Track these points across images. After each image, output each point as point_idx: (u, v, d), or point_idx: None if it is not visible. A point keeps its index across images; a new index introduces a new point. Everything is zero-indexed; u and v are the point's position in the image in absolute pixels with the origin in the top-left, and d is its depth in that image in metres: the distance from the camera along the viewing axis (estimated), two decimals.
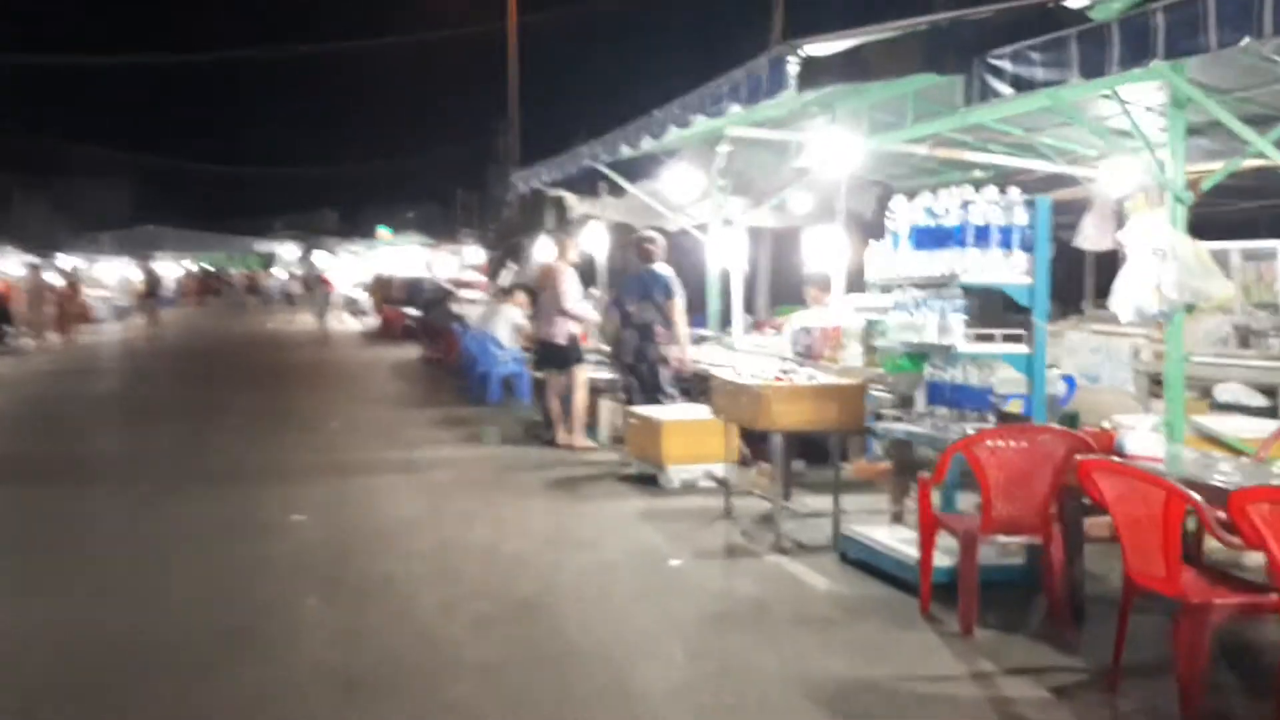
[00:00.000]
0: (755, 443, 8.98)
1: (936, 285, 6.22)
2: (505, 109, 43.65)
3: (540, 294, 11.29)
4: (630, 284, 10.29)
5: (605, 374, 11.51)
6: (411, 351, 22.96)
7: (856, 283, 10.00)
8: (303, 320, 34.32)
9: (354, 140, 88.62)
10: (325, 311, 32.70)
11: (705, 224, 14.54)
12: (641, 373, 10.10)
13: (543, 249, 17.45)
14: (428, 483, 9.51)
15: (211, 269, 70.01)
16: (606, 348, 12.35)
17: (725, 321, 12.69)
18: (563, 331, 10.98)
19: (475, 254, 31.26)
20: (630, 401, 10.29)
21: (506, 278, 23.42)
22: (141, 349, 25.51)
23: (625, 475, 9.51)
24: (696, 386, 10.45)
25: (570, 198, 15.39)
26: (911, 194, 13.48)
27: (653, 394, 10.02)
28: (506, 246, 34.79)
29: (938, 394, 6.34)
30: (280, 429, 12.70)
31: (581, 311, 11.15)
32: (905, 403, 6.94)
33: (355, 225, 61.06)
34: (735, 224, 12.17)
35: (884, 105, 9.01)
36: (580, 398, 10.97)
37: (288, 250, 66.75)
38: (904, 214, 6.56)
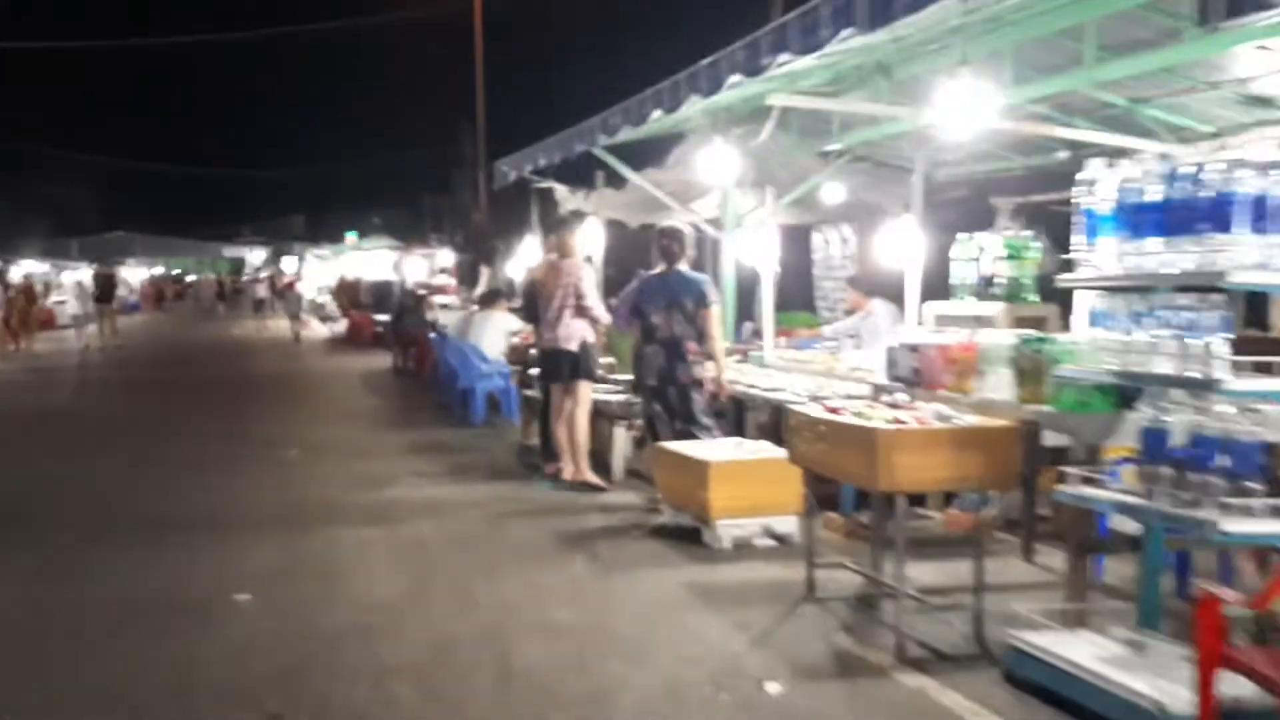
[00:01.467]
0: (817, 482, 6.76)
1: (1178, 287, 3.98)
2: (470, 111, 41.40)
3: (539, 295, 8.97)
4: (653, 289, 7.98)
5: (613, 394, 9.20)
6: (381, 360, 20.54)
7: (936, 287, 7.88)
8: (269, 326, 31.67)
9: (320, 144, 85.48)
10: (298, 315, 30.11)
11: (716, 219, 12.37)
12: (669, 398, 7.80)
13: (528, 248, 15.12)
14: (407, 541, 7.16)
15: (180, 274, 66.96)
16: (609, 361, 10.06)
17: (736, 333, 10.51)
18: (576, 335, 8.66)
19: (447, 257, 28.84)
20: (654, 434, 8.01)
21: (482, 282, 21.09)
22: (93, 360, 22.69)
23: (657, 528, 7.22)
24: (734, 414, 8.19)
25: (560, 189, 13.06)
26: (966, 184, 11.28)
27: (684, 424, 7.74)
28: (478, 250, 32.40)
29: (1158, 447, 4.09)
30: (233, 457, 10.29)
31: (602, 313, 8.85)
32: (1091, 455, 4.72)
33: (322, 230, 58.18)
34: (764, 219, 9.90)
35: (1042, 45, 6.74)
36: (582, 420, 8.66)
37: (256, 255, 63.93)
38: (1110, 184, 4.30)
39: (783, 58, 6.82)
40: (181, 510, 8.07)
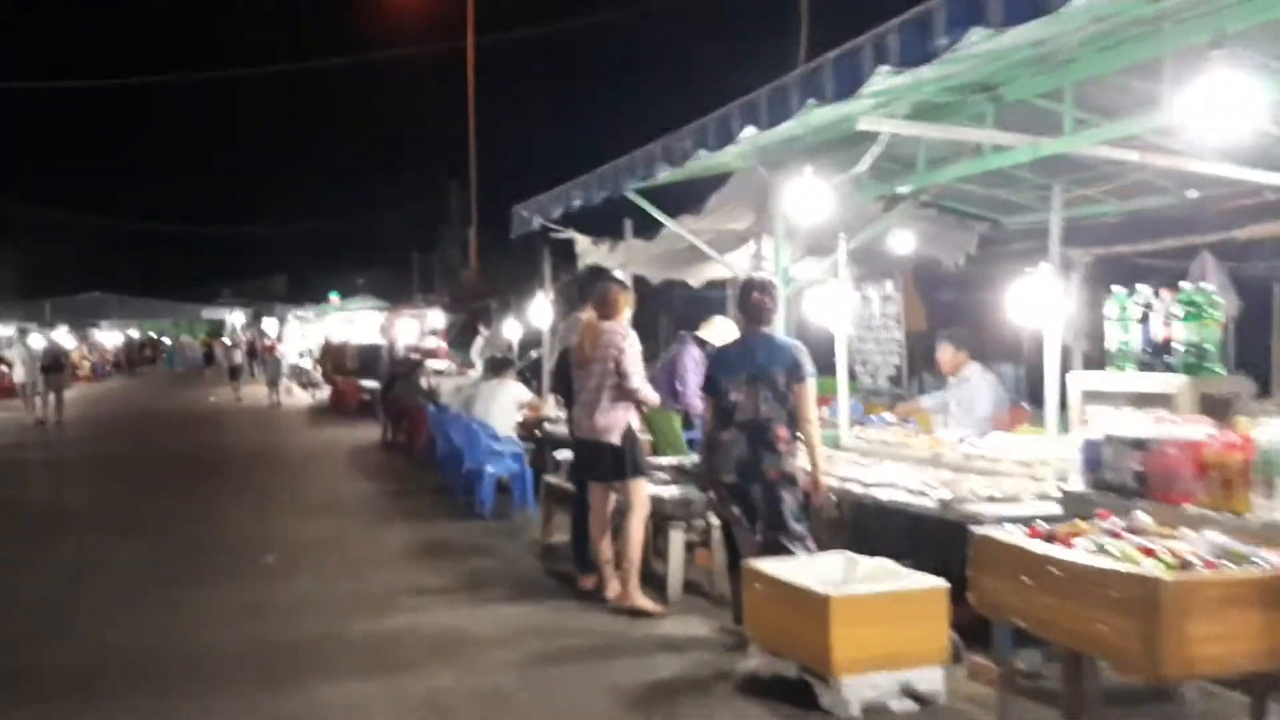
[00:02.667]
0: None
1: None
2: (459, 168, 40.06)
3: (574, 365, 7.25)
4: (733, 358, 6.25)
5: (663, 486, 7.45)
6: (369, 432, 18.73)
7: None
8: (246, 393, 29.80)
9: (303, 202, 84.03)
10: (277, 381, 28.28)
11: (751, 271, 10.73)
12: (751, 498, 6.04)
13: (537, 308, 13.43)
14: (418, 702, 5.35)
15: (155, 336, 65.03)
16: (644, 439, 8.33)
17: None
18: (618, 424, 6.93)
19: (437, 319, 27.14)
20: (730, 545, 6.27)
21: (480, 347, 19.38)
22: (42, 436, 20.25)
23: (749, 679, 5.47)
24: (819, 520, 6.44)
25: (582, 240, 11.41)
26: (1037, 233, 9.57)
27: (771, 532, 5.99)
28: (471, 310, 30.68)
29: None
30: (195, 566, 8.47)
31: (649, 394, 7.13)
32: None
33: (304, 291, 56.52)
34: (840, 270, 8.23)
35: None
36: (637, 530, 6.91)
37: (236, 317, 62.11)
38: None
39: (882, 70, 5.24)
40: (119, 652, 6.26)
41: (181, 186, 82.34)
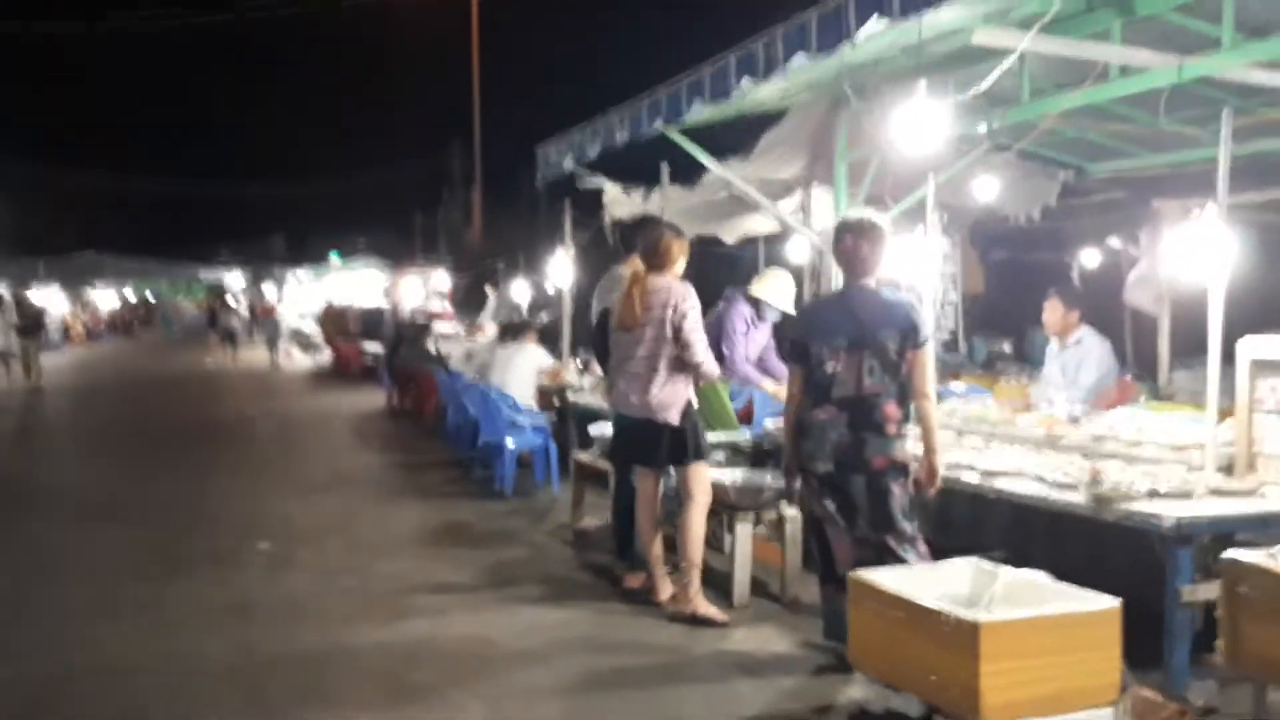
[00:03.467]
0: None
1: None
2: (461, 127, 38.79)
3: (617, 328, 6.10)
4: (829, 317, 5.10)
5: (726, 473, 6.33)
6: (373, 398, 17.62)
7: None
8: (244, 357, 28.65)
9: (303, 160, 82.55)
10: (275, 343, 27.22)
11: (800, 220, 9.63)
12: (851, 493, 4.93)
13: (558, 267, 12.29)
14: None
15: (150, 298, 63.80)
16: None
17: None
18: (676, 400, 5.80)
19: (443, 280, 25.97)
20: (823, 549, 5.17)
21: (492, 308, 18.25)
22: (19, 403, 18.42)
23: (855, 714, 4.39)
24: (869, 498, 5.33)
25: (611, 188, 10.25)
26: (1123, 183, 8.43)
27: (875, 533, 4.90)
28: (478, 271, 29.48)
29: None
30: (179, 553, 7.39)
31: (713, 367, 5.99)
32: None
33: (304, 252, 55.25)
34: (931, 219, 7.11)
35: None
36: (698, 524, 5.81)
37: (234, 278, 60.85)
38: None
39: None
40: (81, 673, 5.18)
41: (179, 143, 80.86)
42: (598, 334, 6.83)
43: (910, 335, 4.84)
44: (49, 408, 18.07)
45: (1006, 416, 6.32)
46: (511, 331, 10.97)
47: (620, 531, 6.51)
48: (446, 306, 24.31)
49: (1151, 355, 8.81)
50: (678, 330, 5.75)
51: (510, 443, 9.33)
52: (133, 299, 59.85)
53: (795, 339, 5.18)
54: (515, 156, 41.69)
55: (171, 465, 11.42)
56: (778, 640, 5.39)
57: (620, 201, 10.24)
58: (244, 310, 38.97)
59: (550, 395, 10.48)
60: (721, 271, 13.74)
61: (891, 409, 4.86)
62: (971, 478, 5.24)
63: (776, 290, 8.36)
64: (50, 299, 41.47)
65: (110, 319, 48.62)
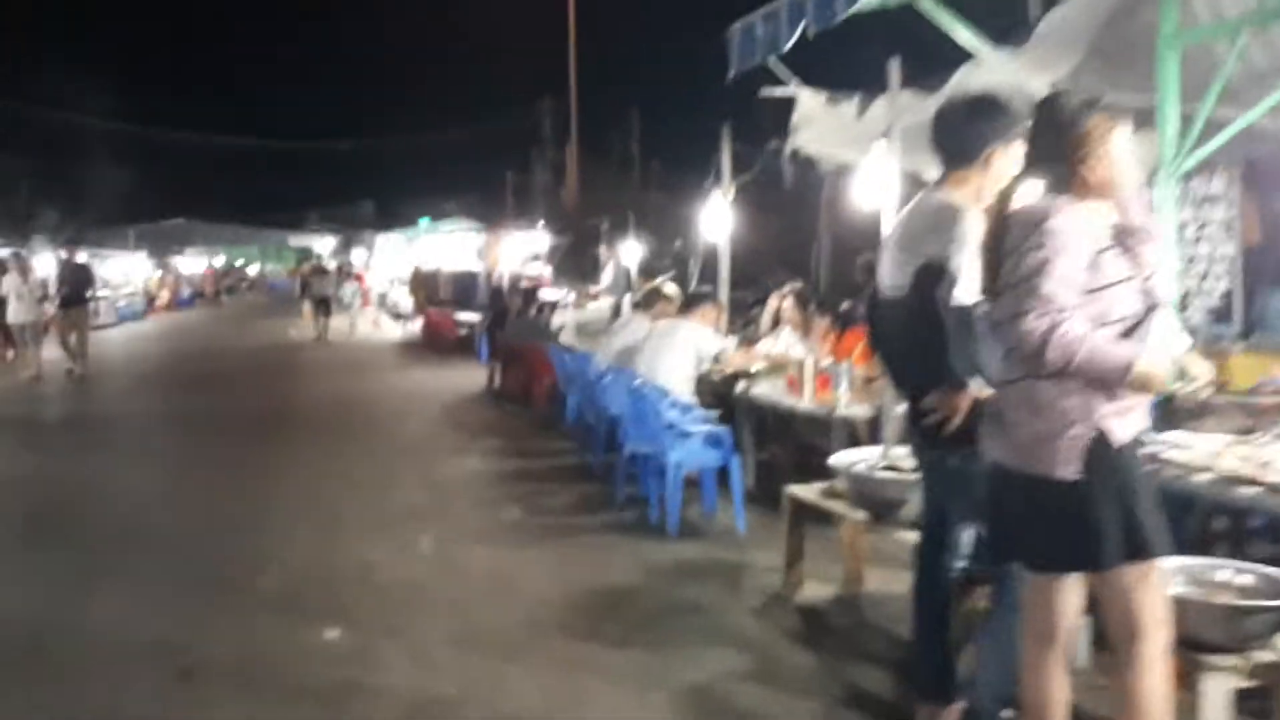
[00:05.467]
0: None
1: None
2: (551, 82, 36.27)
3: (996, 284, 3.17)
4: None
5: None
6: (469, 376, 15.04)
7: None
8: (336, 326, 26.21)
9: (392, 123, 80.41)
10: (356, 316, 24.90)
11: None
12: None
13: (711, 213, 9.49)
14: None
15: (240, 264, 62.43)
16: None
17: None
18: (1077, 442, 2.93)
19: (542, 241, 23.28)
20: None
21: (612, 275, 15.49)
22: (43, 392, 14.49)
23: None
24: None
25: (810, 97, 7.38)
26: None
27: None
28: (580, 230, 26.75)
29: None
30: (204, 644, 4.79)
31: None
32: None
33: (393, 217, 53.08)
34: None
35: None
36: (1162, 674, 2.96)
37: (324, 243, 59.14)
38: None
39: None
40: None
41: (270, 103, 79.48)
42: (873, 322, 3.99)
43: None
44: (95, 396, 14.80)
45: None
46: (689, 304, 8.13)
47: (933, 653, 3.72)
48: (546, 271, 21.69)
49: None
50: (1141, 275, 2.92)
51: (676, 457, 6.56)
52: (221, 265, 58.34)
53: None
54: (607, 120, 39.10)
55: (224, 479, 8.81)
56: None
57: (814, 116, 7.34)
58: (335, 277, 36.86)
59: (710, 385, 7.80)
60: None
61: None
62: None
63: None
64: (136, 266, 39.90)
65: (198, 286, 46.92)
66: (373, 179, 66.37)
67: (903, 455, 4.50)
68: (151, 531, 6.96)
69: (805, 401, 6.87)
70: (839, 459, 4.93)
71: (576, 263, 28.56)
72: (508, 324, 13.16)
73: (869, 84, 6.75)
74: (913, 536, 4.08)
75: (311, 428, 11.35)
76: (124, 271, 37.32)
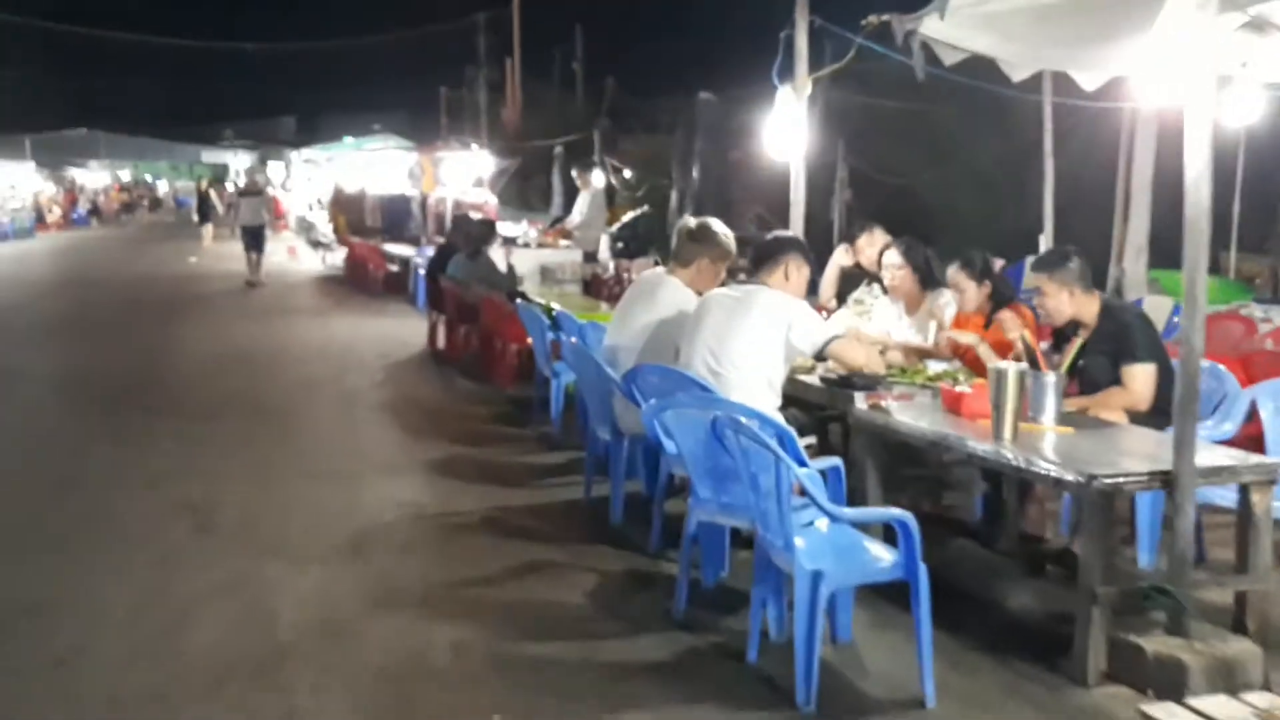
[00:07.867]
0: None
1: None
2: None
3: None
4: None
5: None
6: (404, 329, 11.75)
7: None
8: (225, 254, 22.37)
9: (313, 32, 74.63)
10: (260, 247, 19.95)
11: None
12: None
13: (783, 126, 6.27)
14: None
15: (149, 180, 57.48)
16: None
17: None
18: None
19: (487, 163, 19.75)
20: None
21: (587, 206, 12.21)
22: None
23: None
24: None
25: None
26: None
27: None
28: (526, 154, 23.20)
29: None
30: None
31: None
32: None
33: (314, 135, 48.60)
34: None
35: None
36: None
37: (240, 160, 54.48)
38: None
39: None
40: None
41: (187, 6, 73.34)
42: None
43: None
44: None
45: None
46: (765, 255, 4.79)
47: None
48: (490, 199, 18.25)
49: None
50: None
51: (815, 565, 3.38)
52: (127, 180, 53.47)
53: None
54: (550, 39, 35.28)
55: (70, 486, 5.53)
56: None
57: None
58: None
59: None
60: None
61: None
62: None
63: None
64: (24, 179, 35.32)
65: (95, 203, 42.26)
66: (295, 92, 61.51)
67: None
68: None
69: (1006, 441, 3.80)
70: None
71: (521, 190, 25.06)
72: (450, 265, 9.81)
73: None
74: None
75: (172, 411, 7.97)
76: (11, 184, 32.90)
